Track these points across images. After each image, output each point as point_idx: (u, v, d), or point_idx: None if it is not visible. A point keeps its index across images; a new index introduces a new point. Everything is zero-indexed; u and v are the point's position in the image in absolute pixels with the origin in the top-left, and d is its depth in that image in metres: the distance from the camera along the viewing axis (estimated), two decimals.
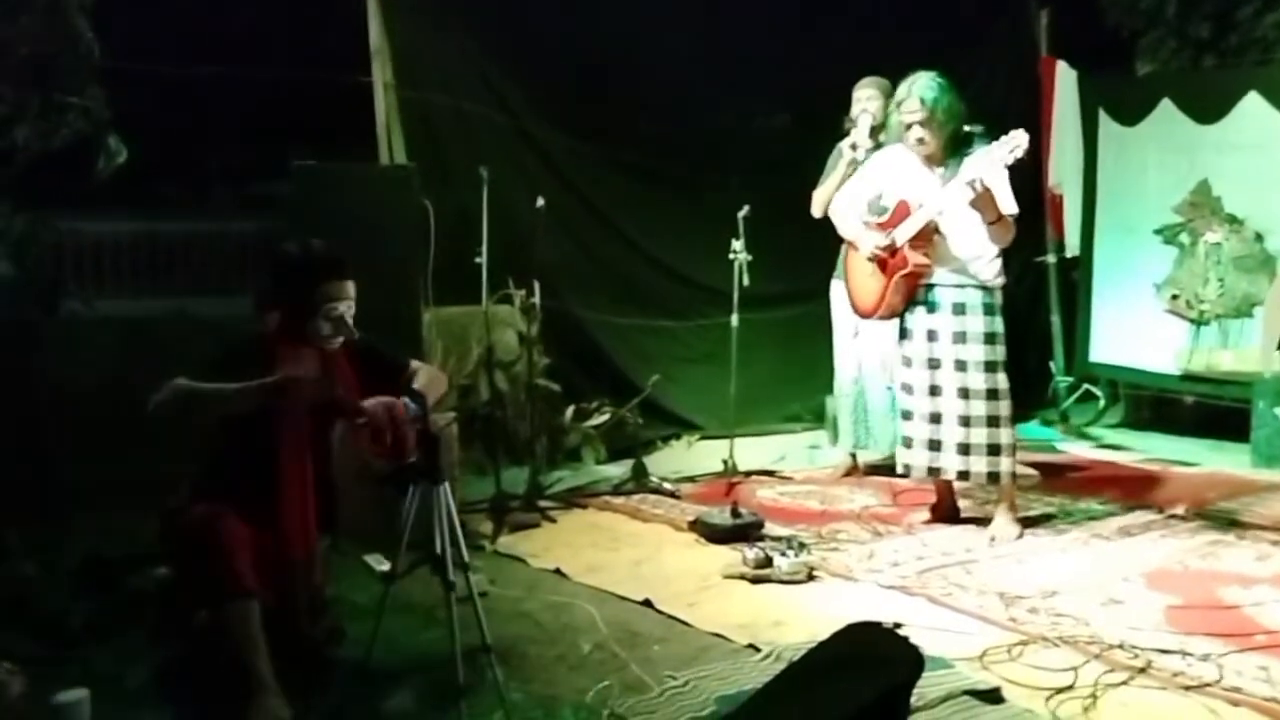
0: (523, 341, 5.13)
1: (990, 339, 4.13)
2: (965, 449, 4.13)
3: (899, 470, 4.38)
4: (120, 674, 2.88)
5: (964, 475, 4.18)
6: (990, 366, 4.12)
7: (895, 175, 4.22)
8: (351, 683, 2.87)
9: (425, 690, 2.85)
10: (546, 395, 5.35)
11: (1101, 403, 6.70)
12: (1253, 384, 5.52)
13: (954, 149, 4.08)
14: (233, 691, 2.68)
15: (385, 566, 3.10)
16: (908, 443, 4.28)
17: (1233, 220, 5.87)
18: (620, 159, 5.98)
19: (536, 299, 4.95)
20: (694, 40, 5.82)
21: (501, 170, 5.03)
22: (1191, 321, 6.03)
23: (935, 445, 4.18)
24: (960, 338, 4.13)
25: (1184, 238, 6.07)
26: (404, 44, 5.26)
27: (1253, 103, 5.72)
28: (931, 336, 4.18)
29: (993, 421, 4.13)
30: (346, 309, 2.93)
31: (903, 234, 4.12)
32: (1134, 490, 4.93)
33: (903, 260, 4.13)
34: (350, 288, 2.93)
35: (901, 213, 4.14)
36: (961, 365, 4.12)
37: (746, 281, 5.07)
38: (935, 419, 4.17)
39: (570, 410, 5.56)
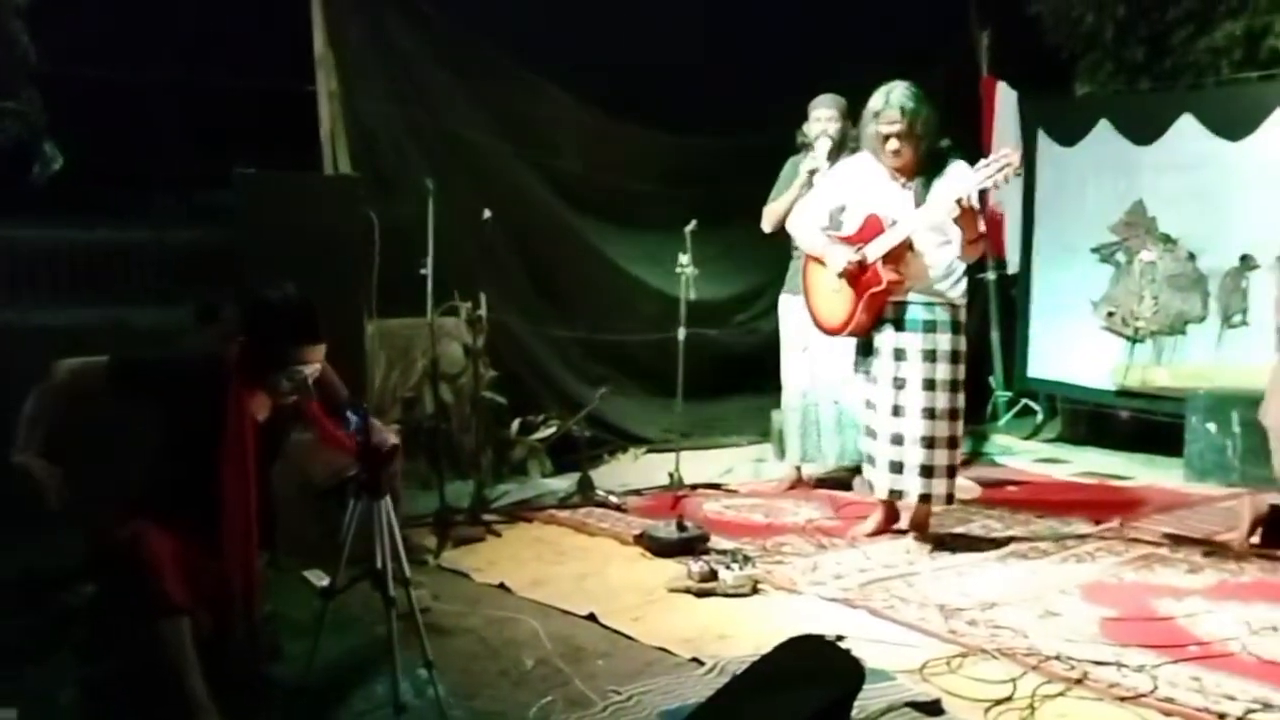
0: (468, 354, 5.10)
1: (955, 358, 4.11)
2: (929, 471, 4.10)
3: (856, 485, 4.38)
4: (51, 693, 2.81)
5: (925, 498, 4.17)
6: (954, 386, 4.11)
7: (861, 188, 4.16)
8: (290, 701, 2.83)
9: (365, 708, 2.81)
10: (492, 408, 5.33)
11: (1039, 417, 6.82)
12: (1186, 400, 5.65)
13: (926, 163, 4.04)
14: (167, 710, 2.63)
15: (325, 582, 3.05)
16: (871, 461, 4.27)
17: (1167, 240, 6.01)
18: (568, 172, 5.99)
19: (483, 311, 4.92)
20: (643, 55, 5.84)
21: (448, 181, 5.01)
22: (1127, 338, 6.16)
23: (897, 468, 4.16)
24: (930, 356, 4.09)
25: (1120, 256, 6.21)
26: (349, 53, 5.22)
27: (1187, 124, 5.86)
28: (899, 355, 4.12)
29: (952, 443, 4.14)
30: (312, 372, 2.85)
31: (875, 250, 4.05)
32: (1071, 504, 5.01)
33: (875, 277, 4.05)
34: (320, 351, 2.85)
35: (872, 227, 4.07)
36: (929, 384, 4.08)
37: (693, 295, 5.09)
38: (898, 440, 4.14)
39: (516, 423, 5.53)
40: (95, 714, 2.77)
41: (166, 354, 2.98)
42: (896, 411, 4.14)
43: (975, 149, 6.43)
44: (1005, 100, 6.65)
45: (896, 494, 4.22)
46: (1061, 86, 6.75)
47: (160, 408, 2.85)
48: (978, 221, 3.95)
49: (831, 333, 4.34)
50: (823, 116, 4.97)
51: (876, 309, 4.13)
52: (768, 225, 5.12)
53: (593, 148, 6.03)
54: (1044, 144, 6.54)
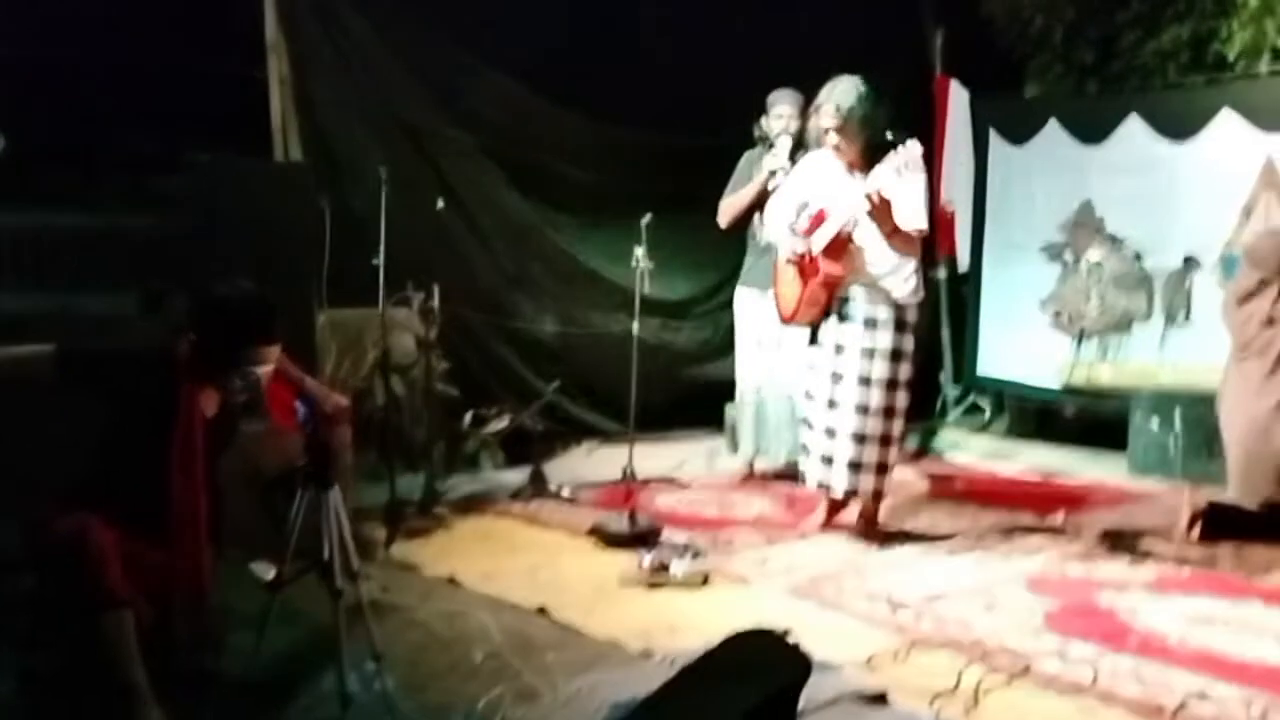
0: (420, 345, 5.06)
1: (896, 356, 4.13)
2: (856, 466, 4.15)
3: (799, 476, 4.42)
4: None
5: (852, 493, 4.23)
6: (892, 385, 4.14)
7: (819, 181, 4.23)
8: (234, 694, 2.79)
9: (311, 701, 2.78)
10: (444, 400, 5.29)
11: (988, 414, 6.91)
12: (1130, 397, 5.75)
13: (873, 157, 4.06)
14: (108, 703, 2.59)
15: (272, 574, 3.02)
16: (806, 450, 4.33)
17: (1113, 240, 6.11)
18: (523, 163, 5.96)
19: (435, 302, 4.89)
20: (599, 48, 5.83)
21: (401, 171, 4.97)
22: (1073, 337, 6.26)
23: (828, 461, 4.21)
24: (869, 354, 4.12)
25: (1067, 255, 6.31)
26: (301, 40, 5.16)
27: (1134, 126, 5.96)
28: (839, 349, 4.17)
29: (885, 441, 4.17)
30: (265, 373, 2.80)
31: (817, 242, 4.13)
32: (1017, 499, 5.09)
33: (815, 268, 4.14)
34: (275, 351, 2.80)
35: (819, 220, 4.15)
36: (865, 381, 4.12)
37: (648, 288, 5.09)
38: (830, 433, 4.19)
39: (468, 416, 5.51)
40: (35, 707, 2.71)
41: (117, 345, 2.91)
42: (831, 405, 4.19)
43: (928, 147, 6.50)
44: (958, 99, 6.72)
45: (824, 487, 4.27)
46: (1013, 86, 6.83)
47: (108, 400, 2.80)
48: (891, 216, 3.98)
49: (784, 321, 4.43)
50: (784, 114, 4.99)
51: (821, 301, 4.19)
52: (724, 220, 5.14)
53: (548, 140, 6.00)
54: (995, 143, 6.62)
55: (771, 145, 5.05)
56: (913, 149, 3.93)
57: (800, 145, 4.84)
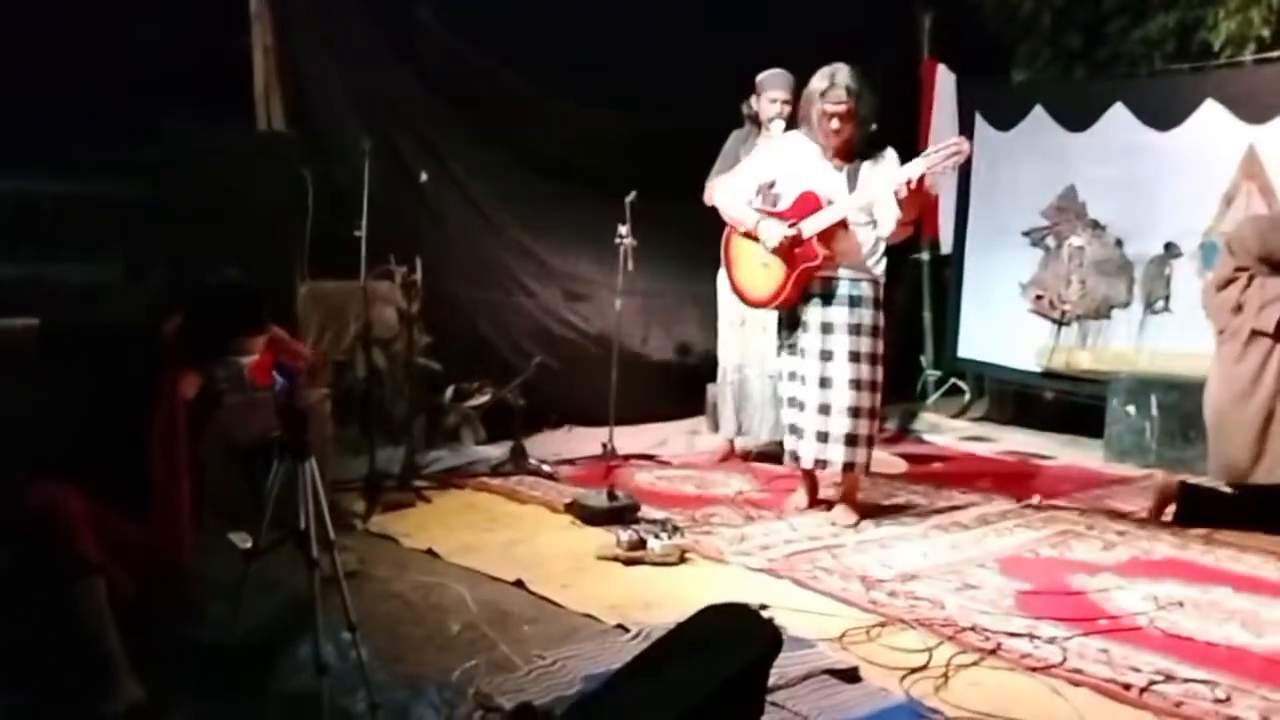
0: (402, 319, 5.05)
1: (876, 331, 4.24)
2: (853, 440, 4.21)
3: (786, 459, 4.45)
4: None
5: (850, 466, 4.27)
6: (875, 359, 4.24)
7: (794, 164, 4.25)
8: (211, 662, 2.80)
9: (287, 670, 2.79)
10: (426, 374, 5.29)
11: (967, 396, 6.95)
12: (1108, 382, 5.80)
13: (861, 146, 4.14)
14: (83, 670, 2.59)
15: (248, 544, 3.03)
16: (797, 432, 4.34)
17: (1095, 225, 6.14)
18: (509, 138, 5.93)
19: (418, 276, 4.88)
20: (587, 24, 5.80)
21: (385, 143, 4.94)
22: (1053, 321, 6.30)
23: (823, 437, 4.25)
24: (855, 329, 4.20)
25: (1050, 240, 6.34)
26: (285, 8, 5.11)
27: (1118, 113, 5.99)
28: (827, 329, 4.22)
29: (873, 414, 4.26)
30: (249, 362, 2.82)
31: (812, 226, 4.14)
32: (993, 481, 5.14)
33: (810, 252, 4.16)
34: (260, 342, 2.82)
35: (808, 204, 4.16)
36: (855, 356, 4.19)
37: (631, 266, 5.10)
38: (824, 410, 4.23)
39: (450, 390, 5.50)
40: (9, 674, 2.71)
41: (101, 322, 2.91)
42: (824, 383, 4.23)
43: (914, 131, 6.51)
44: (945, 83, 6.73)
45: (822, 463, 4.31)
46: (1000, 71, 6.83)
47: (90, 375, 2.81)
48: (916, 204, 4.04)
49: (758, 305, 4.45)
50: (777, 97, 4.98)
51: (805, 284, 4.22)
52: (710, 199, 5.14)
53: (534, 117, 5.98)
54: (980, 128, 6.63)
55: (760, 125, 5.04)
56: (964, 145, 3.95)
57: (791, 128, 4.84)
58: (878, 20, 6.55)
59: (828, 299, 4.22)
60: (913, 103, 6.65)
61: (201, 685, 2.73)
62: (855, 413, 4.20)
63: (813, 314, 4.24)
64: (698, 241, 5.57)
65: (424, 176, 4.69)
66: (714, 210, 4.75)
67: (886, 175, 4.06)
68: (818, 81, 4.13)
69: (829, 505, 4.47)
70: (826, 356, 4.23)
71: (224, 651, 2.82)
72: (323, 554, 2.70)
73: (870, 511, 4.43)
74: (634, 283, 5.15)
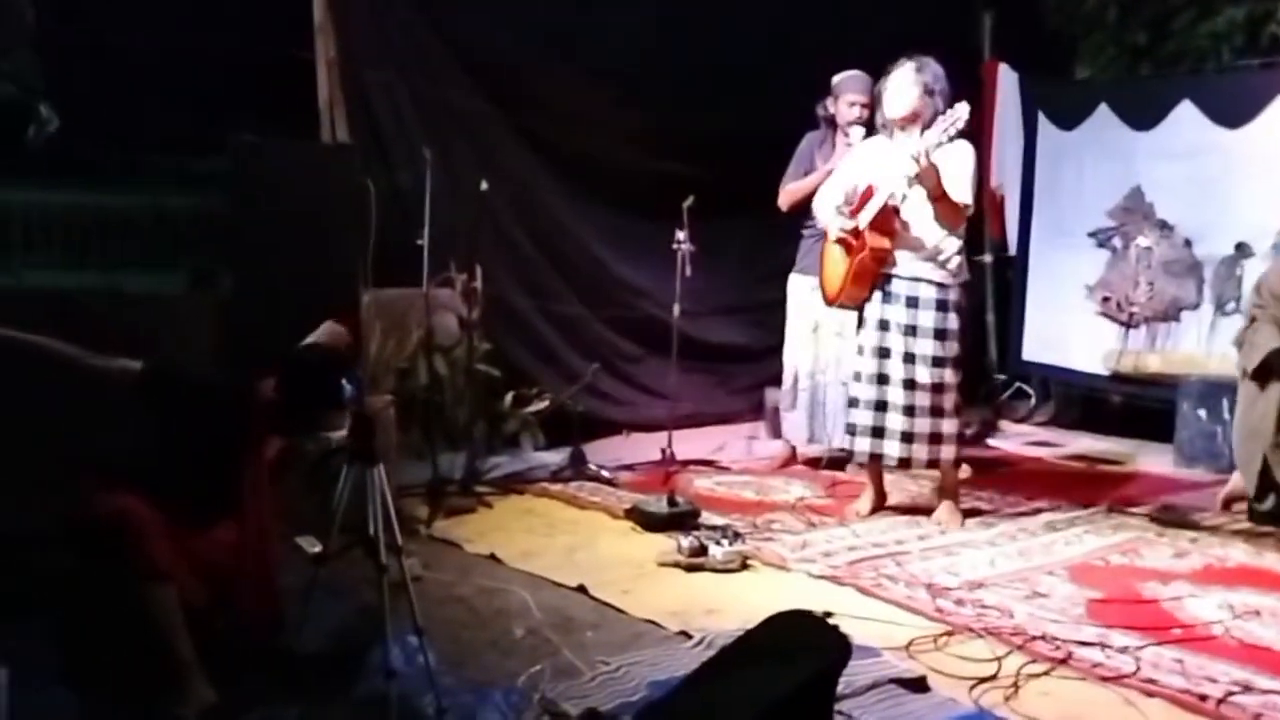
0: (463, 326, 5.10)
1: (940, 335, 4.19)
2: (908, 437, 4.21)
3: (850, 471, 4.44)
4: (41, 655, 2.82)
5: (905, 463, 4.26)
6: (938, 362, 4.19)
7: (871, 163, 4.28)
8: (280, 665, 2.84)
9: (356, 674, 2.83)
10: (486, 380, 5.32)
11: (1032, 400, 6.84)
12: (1178, 386, 5.67)
13: (925, 124, 4.12)
14: (157, 674, 2.65)
15: (317, 549, 3.07)
16: (852, 429, 4.35)
17: (1163, 226, 6.01)
18: (569, 146, 5.95)
19: (478, 283, 4.92)
20: (648, 28, 5.81)
21: (446, 152, 4.98)
22: (1121, 324, 6.18)
23: (879, 432, 4.25)
24: (910, 331, 4.19)
25: (1116, 241, 6.21)
26: (349, 21, 5.18)
27: (1186, 111, 5.85)
28: (883, 326, 4.24)
29: (936, 412, 4.21)
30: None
31: (864, 217, 4.18)
32: (1061, 487, 5.04)
33: (863, 243, 4.18)
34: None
35: (867, 196, 4.20)
36: (909, 358, 4.19)
37: (689, 271, 5.08)
38: (880, 406, 4.24)
39: (509, 396, 5.53)
40: (84, 674, 2.78)
41: (200, 377, 2.98)
42: (880, 380, 4.24)
43: (977, 131, 6.42)
44: (1006, 82, 6.63)
45: (876, 458, 4.30)
46: (1063, 69, 6.72)
47: (180, 423, 2.89)
48: (939, 179, 4.00)
49: (828, 302, 4.47)
50: (856, 101, 4.92)
51: (866, 279, 4.23)
52: (785, 203, 5.09)
53: (593, 123, 5.99)
54: (1044, 127, 6.52)
55: (836, 128, 4.99)
56: (960, 111, 3.95)
57: (871, 131, 4.78)
58: (938, 21, 6.47)
59: (886, 297, 4.23)
60: (974, 104, 6.54)
61: (272, 689, 2.77)
62: (910, 411, 4.18)
63: (871, 311, 4.28)
64: (759, 246, 5.55)
65: (484, 185, 4.72)
66: (777, 214, 4.73)
67: (941, 157, 4.02)
68: (890, 69, 4.22)
69: (892, 510, 4.42)
70: (883, 354, 4.24)
71: (294, 655, 2.85)
72: (390, 559, 2.73)
73: (969, 512, 4.41)
74: (693, 288, 5.13)
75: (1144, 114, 6.04)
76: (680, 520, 4.22)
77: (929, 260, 4.19)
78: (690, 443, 5.57)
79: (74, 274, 4.86)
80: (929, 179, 3.99)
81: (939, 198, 4.04)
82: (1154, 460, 5.65)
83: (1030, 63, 6.66)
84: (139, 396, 2.86)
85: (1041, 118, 6.53)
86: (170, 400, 2.89)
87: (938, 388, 4.20)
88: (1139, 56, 6.49)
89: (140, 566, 2.67)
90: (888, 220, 4.15)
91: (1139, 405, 6.13)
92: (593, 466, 5.09)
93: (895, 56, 4.20)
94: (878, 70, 4.26)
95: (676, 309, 5.12)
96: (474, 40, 5.62)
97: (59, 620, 2.90)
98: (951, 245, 4.19)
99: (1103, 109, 6.22)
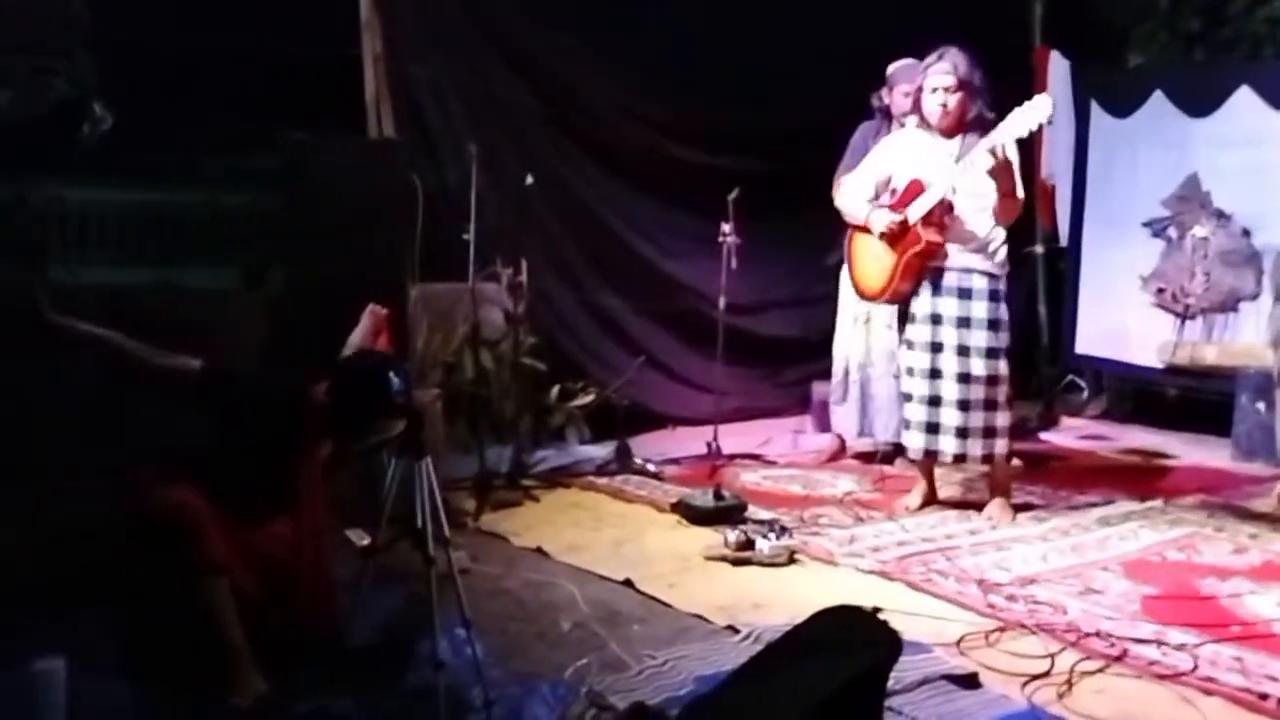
0: (509, 320, 5.11)
1: (994, 325, 4.14)
2: (963, 432, 4.16)
3: (899, 465, 4.39)
4: (97, 646, 2.87)
5: (960, 458, 4.21)
6: (992, 353, 4.14)
7: (906, 156, 4.22)
8: (330, 656, 2.87)
9: (404, 665, 2.84)
10: (531, 374, 5.34)
11: (1085, 393, 6.73)
12: (1235, 378, 5.55)
13: (969, 128, 4.08)
14: (211, 664, 2.69)
15: (366, 541, 3.09)
16: (906, 424, 4.32)
17: (1220, 215, 5.88)
18: (614, 139, 5.95)
19: (524, 277, 4.93)
20: (694, 21, 5.78)
21: (492, 147, 5.00)
22: (1176, 315, 6.06)
23: (933, 428, 4.21)
24: (964, 323, 4.14)
25: (1172, 231, 6.09)
26: (394, 17, 5.21)
27: (1244, 97, 5.72)
28: (935, 320, 4.18)
29: (990, 405, 4.17)
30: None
31: (915, 211, 4.11)
32: (1115, 481, 4.95)
33: (915, 238, 4.11)
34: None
35: (914, 190, 4.13)
36: (964, 350, 4.14)
37: (735, 265, 5.05)
38: (934, 402, 4.20)
39: (555, 390, 5.54)
40: (139, 664, 2.82)
41: (255, 381, 3.01)
42: (934, 374, 4.19)
43: None
44: (1058, 70, 6.52)
45: (931, 454, 4.25)
46: (1116, 56, 6.60)
47: (236, 423, 2.93)
48: (1013, 175, 3.94)
49: (872, 298, 4.43)
50: (911, 91, 4.83)
51: (915, 273, 4.18)
52: (840, 197, 5.01)
53: (637, 117, 5.98)
54: (1096, 115, 6.41)
55: (891, 119, 4.92)
56: (1043, 106, 3.86)
57: None
58: (988, 8, 6.38)
59: (937, 290, 4.17)
60: (1025, 92, 6.44)
61: (322, 679, 2.79)
62: (965, 405, 4.13)
63: (921, 305, 4.21)
64: (806, 239, 5.50)
65: (529, 179, 4.73)
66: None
67: (985, 141, 3.96)
68: (928, 60, 4.13)
69: (943, 505, 4.38)
70: (936, 348, 4.18)
71: (344, 646, 2.88)
72: (438, 551, 2.74)
73: (1022, 507, 4.35)
74: (739, 281, 5.10)
75: (1200, 101, 5.91)
76: (727, 514, 4.21)
77: (978, 252, 4.14)
78: (736, 436, 5.54)
79: (127, 271, 4.94)
80: (1004, 175, 3.93)
81: (1008, 193, 3.99)
82: (1210, 454, 5.53)
83: (1082, 50, 6.55)
84: (197, 395, 2.91)
85: (1094, 106, 6.42)
86: (226, 400, 2.94)
87: (992, 380, 4.15)
88: (1193, 43, 6.35)
89: (194, 559, 2.71)
90: (941, 215, 4.08)
91: (1195, 398, 6.01)
92: (638, 460, 5.08)
93: (946, 44, 4.13)
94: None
95: (722, 302, 5.10)
96: (519, 35, 5.63)
97: (115, 611, 2.96)
98: (999, 235, 4.15)
99: (1157, 96, 6.10)
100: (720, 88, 5.87)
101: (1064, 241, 6.67)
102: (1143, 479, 5.04)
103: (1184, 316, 6.02)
